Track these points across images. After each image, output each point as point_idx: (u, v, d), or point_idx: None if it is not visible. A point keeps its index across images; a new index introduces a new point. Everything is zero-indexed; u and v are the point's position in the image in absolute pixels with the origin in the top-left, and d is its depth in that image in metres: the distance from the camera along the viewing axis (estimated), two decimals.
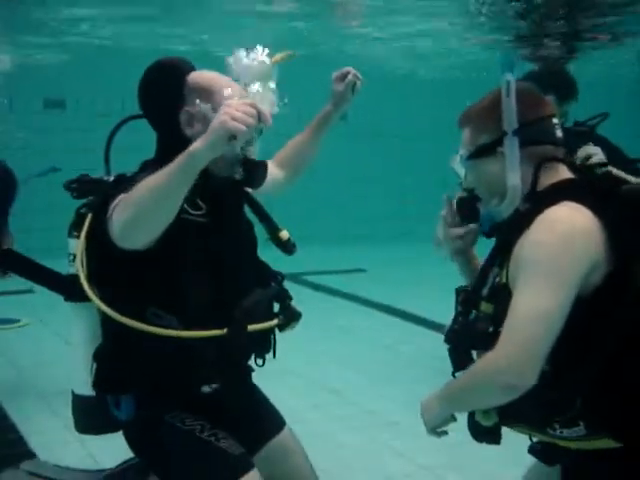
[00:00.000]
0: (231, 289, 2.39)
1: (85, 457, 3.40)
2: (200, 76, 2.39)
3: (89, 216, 2.40)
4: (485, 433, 1.93)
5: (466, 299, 1.99)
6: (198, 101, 2.34)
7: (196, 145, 2.00)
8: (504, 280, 1.87)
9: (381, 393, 4.47)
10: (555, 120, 1.98)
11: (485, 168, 1.97)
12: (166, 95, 2.38)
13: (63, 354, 5.01)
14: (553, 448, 1.95)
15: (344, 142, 9.85)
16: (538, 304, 1.73)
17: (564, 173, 1.94)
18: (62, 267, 2.55)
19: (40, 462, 3.22)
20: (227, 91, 2.30)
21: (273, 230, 2.55)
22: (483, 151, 1.97)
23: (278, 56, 2.51)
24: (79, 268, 2.38)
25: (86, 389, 2.48)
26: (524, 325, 1.73)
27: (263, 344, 2.53)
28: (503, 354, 1.74)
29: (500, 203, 1.95)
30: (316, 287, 7.64)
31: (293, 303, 2.55)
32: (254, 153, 2.46)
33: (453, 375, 1.97)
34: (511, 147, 1.91)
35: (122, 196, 2.16)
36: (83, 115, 8.82)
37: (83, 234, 2.40)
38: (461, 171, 2.05)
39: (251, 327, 2.37)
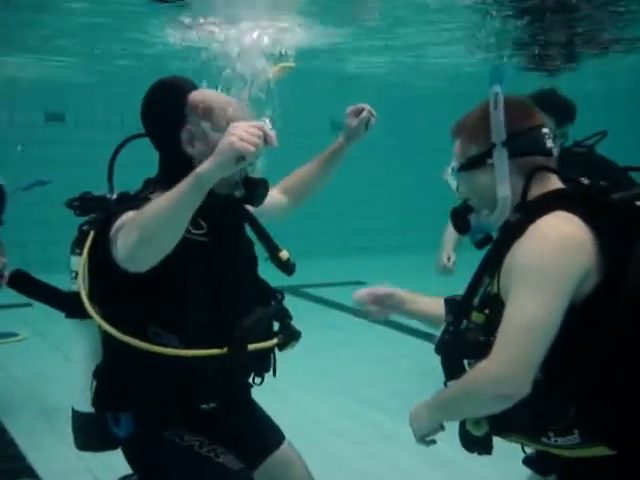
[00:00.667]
0: (231, 308, 2.39)
1: (83, 472, 3.38)
2: (201, 95, 2.40)
3: (91, 234, 2.41)
4: (476, 443, 1.92)
5: (456, 309, 1.99)
6: (198, 120, 2.36)
7: (204, 166, 2.00)
8: (495, 290, 1.87)
9: (382, 406, 4.46)
10: (545, 130, 1.98)
11: (476, 180, 1.99)
12: (167, 114, 2.40)
13: (62, 368, 5.00)
14: (547, 458, 1.94)
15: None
16: (531, 313, 1.74)
17: (555, 183, 1.95)
18: (59, 281, 2.54)
19: None
20: (229, 110, 2.31)
21: (273, 250, 2.55)
22: (473, 163, 1.98)
23: (275, 69, 2.51)
24: (81, 286, 2.38)
25: (86, 406, 2.47)
26: (517, 334, 1.74)
27: (263, 363, 2.53)
28: (496, 363, 1.75)
29: (491, 214, 1.97)
30: (315, 300, 7.63)
31: (293, 322, 2.55)
32: (255, 171, 2.47)
33: (445, 384, 1.96)
34: (500, 158, 1.92)
35: (125, 217, 2.17)
36: (83, 128, 8.84)
37: (85, 252, 2.39)
38: (453, 183, 2.06)
39: (251, 346, 2.37)
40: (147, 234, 2.06)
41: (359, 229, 10.37)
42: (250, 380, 2.59)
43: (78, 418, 2.55)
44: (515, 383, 1.74)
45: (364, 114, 2.72)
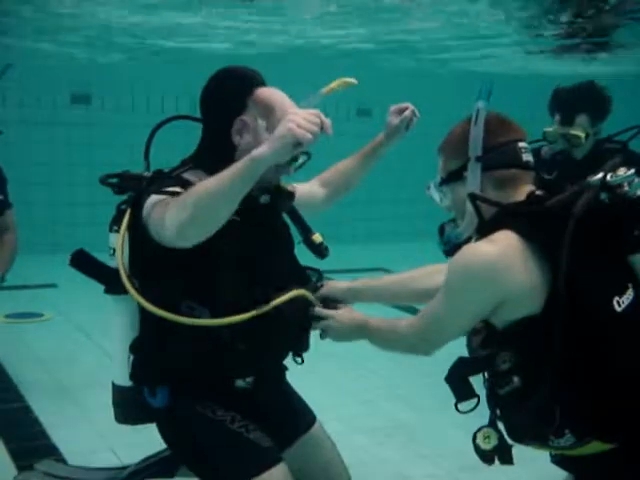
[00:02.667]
0: (263, 285, 2.42)
1: (106, 451, 3.41)
2: (268, 93, 2.43)
3: (128, 211, 2.44)
4: (489, 455, 2.01)
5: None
6: (256, 115, 2.38)
7: (260, 150, 2.02)
8: None
9: (405, 397, 4.46)
10: (522, 144, 2.05)
11: (455, 192, 2.08)
12: (230, 99, 2.44)
13: (85, 348, 5.08)
14: (565, 457, 2.02)
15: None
16: (440, 313, 2.02)
17: (522, 196, 2.01)
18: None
19: (53, 463, 3.23)
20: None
21: (306, 233, 2.59)
22: (452, 176, 2.07)
23: (334, 84, 2.53)
24: (119, 261, 2.42)
25: (125, 380, 2.52)
26: (432, 322, 2.06)
27: (299, 341, 2.56)
28: (415, 336, 2.12)
29: (462, 224, 2.08)
30: None
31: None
32: (290, 173, 2.49)
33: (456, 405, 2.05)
34: (473, 172, 2.01)
35: (159, 198, 2.21)
36: (108, 110, 8.86)
37: (122, 229, 2.44)
38: (436, 196, 2.15)
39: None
40: (199, 212, 2.10)
41: (385, 215, 10.33)
42: (288, 360, 2.63)
43: (118, 392, 2.60)
44: (422, 352, 2.14)
45: (407, 113, 2.74)
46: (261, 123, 2.41)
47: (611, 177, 1.90)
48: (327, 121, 2.04)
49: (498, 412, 2.01)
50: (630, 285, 1.94)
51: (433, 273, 2.44)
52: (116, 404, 2.64)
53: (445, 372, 1.99)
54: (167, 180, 2.40)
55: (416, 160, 10.97)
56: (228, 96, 2.45)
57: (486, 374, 2.02)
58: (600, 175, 1.91)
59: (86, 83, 8.69)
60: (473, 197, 1.99)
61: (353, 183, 2.90)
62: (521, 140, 2.04)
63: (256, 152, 2.02)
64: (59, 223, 8.48)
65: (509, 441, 2.00)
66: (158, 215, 2.22)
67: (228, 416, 2.46)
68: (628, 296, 1.92)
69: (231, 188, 2.07)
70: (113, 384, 2.63)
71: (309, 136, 1.97)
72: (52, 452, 3.37)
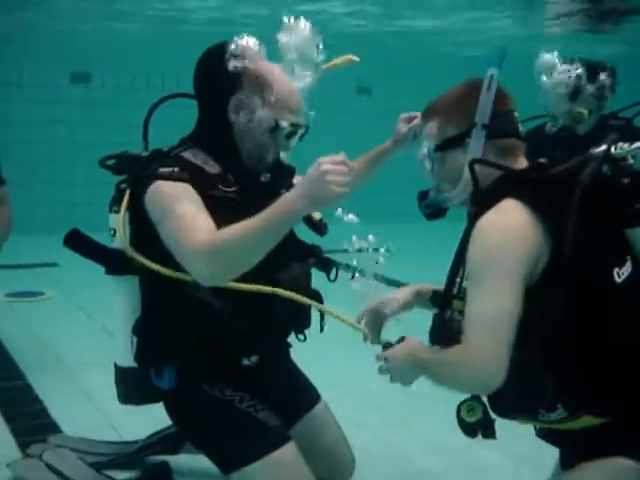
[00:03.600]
0: (264, 263, 2.42)
1: (107, 428, 3.43)
2: (263, 68, 2.41)
3: (127, 192, 2.47)
4: (472, 429, 2.01)
5: (440, 299, 2.07)
6: (251, 92, 2.39)
7: (295, 208, 2.03)
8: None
9: None
10: (517, 114, 2.06)
11: (450, 159, 2.04)
12: (225, 79, 2.41)
13: (86, 327, 5.09)
14: (553, 432, 2.03)
15: (369, 117, 9.77)
16: (482, 310, 1.83)
17: (522, 164, 2.02)
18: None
19: (66, 436, 3.26)
20: (284, 93, 2.38)
21: None
22: (451, 143, 2.02)
23: (337, 60, 2.52)
24: (122, 238, 2.42)
25: (127, 361, 2.53)
26: (480, 333, 1.82)
27: (301, 318, 2.57)
28: (478, 360, 1.83)
29: (452, 190, 2.04)
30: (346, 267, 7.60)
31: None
32: (287, 156, 2.50)
33: None
34: (477, 139, 1.98)
35: (174, 208, 2.23)
36: (108, 89, 8.82)
37: (123, 209, 2.45)
38: (429, 164, 2.09)
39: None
40: (233, 267, 2.16)
41: (384, 194, 10.30)
42: (292, 337, 2.65)
43: (120, 373, 2.62)
44: (495, 378, 1.82)
45: (415, 122, 2.77)
46: (257, 100, 2.39)
47: (615, 149, 1.90)
48: (351, 165, 2.01)
49: None
50: (628, 257, 1.94)
51: None
52: (118, 384, 2.66)
53: None
54: (166, 160, 2.39)
55: None
56: (222, 74, 2.41)
57: None
58: (603, 147, 1.91)
59: (86, 62, 8.64)
60: (479, 162, 1.96)
61: (357, 186, 2.87)
62: (515, 110, 2.06)
63: (295, 206, 2.01)
64: (59, 202, 8.47)
65: (492, 415, 2.00)
66: (174, 237, 2.22)
67: (237, 396, 2.47)
68: (627, 268, 1.92)
69: (264, 243, 2.10)
70: (115, 365, 2.64)
71: (346, 192, 1.96)
72: (53, 429, 3.39)
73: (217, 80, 2.44)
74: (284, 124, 2.40)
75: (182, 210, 2.22)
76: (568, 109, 3.59)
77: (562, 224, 1.80)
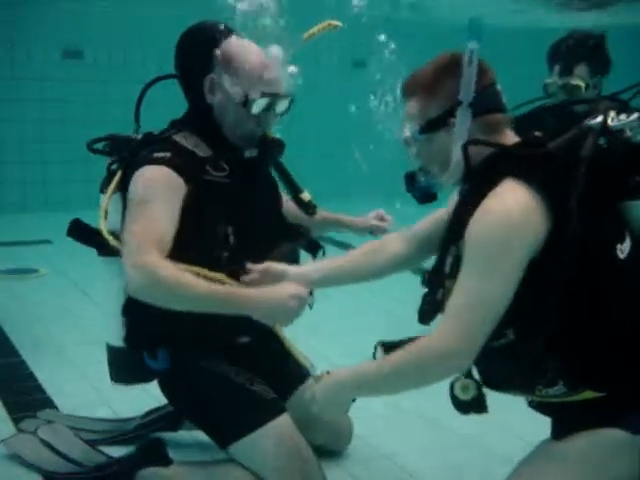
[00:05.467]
0: (252, 243, 2.44)
1: (101, 405, 3.43)
2: (231, 45, 2.43)
3: (118, 174, 2.49)
4: (467, 406, 1.99)
5: (431, 278, 2.03)
6: (221, 71, 2.40)
7: (254, 312, 2.28)
8: (462, 256, 1.90)
9: None
10: (499, 87, 1.96)
11: (438, 141, 1.94)
12: (195, 60, 2.45)
13: (81, 304, 5.10)
14: (546, 404, 2.01)
15: (363, 90, 9.60)
16: (474, 292, 1.78)
17: (510, 139, 1.94)
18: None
19: (57, 413, 3.27)
20: (256, 68, 2.39)
21: (295, 191, 2.61)
22: (436, 124, 1.92)
23: (315, 29, 2.50)
24: (101, 220, 2.43)
25: (120, 341, 2.54)
26: (461, 312, 1.79)
27: None
28: (443, 339, 1.80)
29: (441, 173, 1.95)
30: (339, 244, 7.61)
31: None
32: (272, 131, 2.51)
33: None
34: (463, 118, 1.88)
35: (142, 214, 2.30)
36: (101, 66, 8.75)
37: (110, 190, 2.46)
38: (413, 147, 1.99)
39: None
40: (161, 300, 2.25)
41: (379, 169, 10.27)
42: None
43: (112, 353, 2.62)
44: (460, 357, 1.80)
45: (382, 224, 2.78)
46: (227, 78, 2.40)
47: (612, 121, 1.84)
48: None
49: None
50: (627, 232, 1.90)
51: (370, 253, 2.36)
52: (111, 364, 2.67)
53: None
54: (160, 144, 2.40)
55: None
56: (194, 55, 2.46)
57: None
58: (600, 119, 1.85)
59: (78, 38, 8.57)
60: (473, 143, 1.88)
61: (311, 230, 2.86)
62: (496, 82, 1.96)
63: (245, 305, 2.25)
64: (52, 180, 8.43)
65: (484, 390, 2.00)
66: (131, 231, 2.29)
67: (232, 370, 2.50)
68: (627, 243, 1.88)
69: (200, 307, 2.27)
70: (107, 345, 2.65)
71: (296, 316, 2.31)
72: (48, 406, 3.40)
73: (191, 63, 2.49)
74: (254, 96, 2.40)
75: (153, 210, 2.27)
76: (564, 83, 3.57)
77: (565, 202, 1.75)
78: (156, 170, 2.34)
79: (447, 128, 1.91)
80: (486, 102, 1.90)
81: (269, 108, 2.44)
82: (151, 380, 2.67)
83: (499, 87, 1.96)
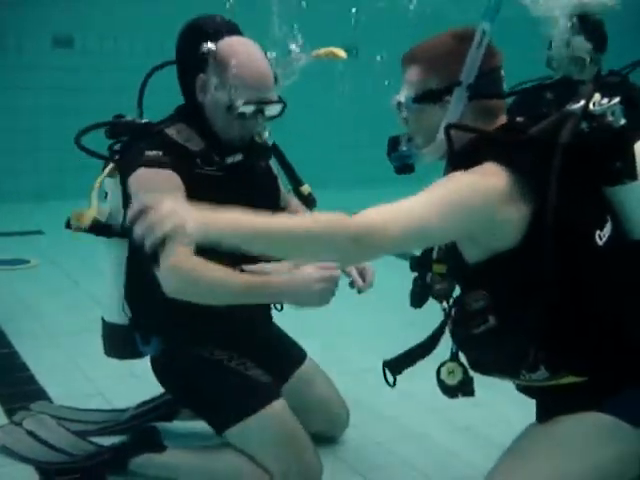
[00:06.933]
0: None
1: (95, 395, 3.42)
2: (226, 46, 2.42)
3: (115, 159, 2.54)
4: (454, 390, 2.03)
5: (419, 263, 2.06)
6: (212, 72, 2.41)
7: (284, 299, 2.39)
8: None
9: (396, 335, 4.47)
10: (503, 72, 1.95)
11: (428, 114, 1.93)
12: (190, 58, 2.44)
13: (73, 295, 5.07)
14: (531, 387, 2.02)
15: (355, 79, 9.66)
16: (426, 215, 1.70)
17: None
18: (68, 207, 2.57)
19: (50, 404, 3.26)
20: (245, 74, 2.37)
21: (295, 184, 2.61)
22: (430, 97, 1.91)
23: (322, 51, 2.50)
24: (93, 202, 2.46)
25: (113, 317, 2.58)
26: (405, 222, 1.67)
27: None
28: (367, 217, 1.67)
29: (424, 146, 1.94)
30: None
31: None
32: (265, 136, 2.51)
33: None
34: (458, 99, 1.87)
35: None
36: (92, 53, 8.69)
37: (103, 174, 2.47)
38: (403, 112, 1.98)
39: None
40: (196, 298, 2.29)
41: (373, 159, 10.28)
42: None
43: (107, 328, 2.66)
44: (372, 236, 1.64)
45: (360, 283, 2.64)
46: (215, 80, 2.39)
47: (594, 106, 1.82)
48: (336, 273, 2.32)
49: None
50: (608, 218, 1.89)
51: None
52: (104, 338, 2.70)
53: None
54: (151, 140, 2.40)
55: None
56: (189, 52, 2.46)
57: (448, 309, 2.03)
58: (581, 103, 1.83)
59: (68, 26, 8.50)
60: (455, 127, 1.86)
61: None
62: (502, 67, 1.95)
63: (272, 294, 2.32)
64: (45, 169, 8.38)
65: (471, 373, 2.02)
66: None
67: (225, 355, 2.51)
68: (607, 229, 1.88)
69: (230, 301, 2.31)
70: (103, 320, 2.68)
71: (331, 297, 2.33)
72: (41, 396, 3.38)
73: (187, 60, 2.49)
74: (238, 103, 2.37)
75: None
76: (568, 55, 3.57)
77: (543, 187, 1.74)
78: (150, 171, 2.36)
79: (441, 104, 1.90)
80: (486, 87, 1.89)
81: (256, 114, 2.42)
82: (143, 357, 2.69)
83: (503, 72, 1.95)
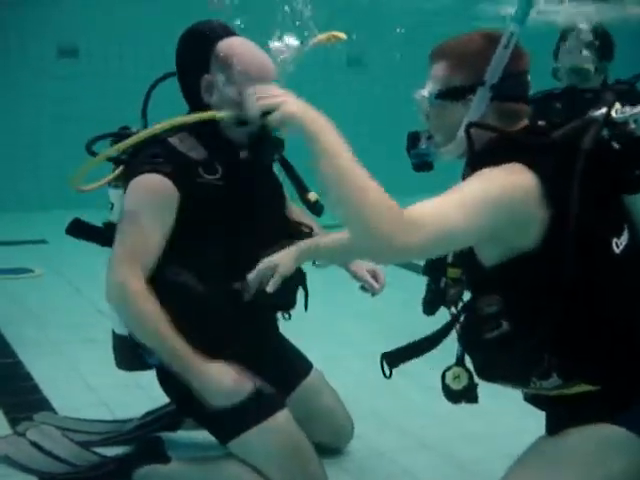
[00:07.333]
0: (248, 246, 2.44)
1: (99, 405, 3.42)
2: (228, 45, 2.46)
3: (118, 170, 2.57)
4: (458, 395, 2.01)
5: (433, 268, 2.05)
6: (216, 71, 2.42)
7: (200, 378, 2.38)
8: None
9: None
10: (529, 77, 1.94)
11: (450, 111, 1.92)
12: (192, 60, 2.48)
13: (77, 304, 5.07)
14: (540, 396, 1.99)
15: (362, 88, 9.67)
16: (458, 225, 1.67)
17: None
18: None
19: (54, 415, 3.25)
20: (249, 68, 2.39)
21: (302, 191, 2.60)
22: (454, 94, 1.90)
23: (323, 37, 2.51)
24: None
25: (124, 329, 2.60)
26: (442, 230, 1.65)
27: (287, 299, 2.58)
28: (404, 234, 1.61)
29: (444, 144, 1.93)
30: None
31: None
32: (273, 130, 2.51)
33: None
34: (481, 98, 1.85)
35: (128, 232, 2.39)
36: (96, 63, 8.71)
37: (103, 181, 2.49)
38: (425, 107, 1.96)
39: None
40: (125, 319, 2.41)
41: (381, 167, 10.23)
42: (278, 315, 2.67)
43: (116, 340, 2.66)
44: (401, 236, 1.61)
45: (373, 284, 2.68)
46: (221, 77, 2.41)
47: (616, 113, 1.82)
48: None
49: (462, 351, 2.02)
50: (625, 226, 1.88)
51: None
52: (115, 350, 2.71)
53: None
54: (154, 148, 2.41)
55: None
56: (191, 56, 2.49)
57: (458, 314, 2.02)
58: (603, 110, 1.82)
59: (73, 36, 8.52)
60: (477, 126, 1.85)
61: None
62: (529, 71, 1.94)
63: (194, 373, 2.35)
64: (48, 178, 8.39)
65: (476, 380, 2.00)
66: (120, 243, 2.40)
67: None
68: (625, 237, 1.87)
69: (157, 349, 2.40)
70: (113, 332, 2.69)
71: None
72: (44, 406, 3.38)
73: (188, 63, 2.53)
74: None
75: (143, 225, 2.36)
76: (573, 65, 3.58)
77: (564, 192, 1.73)
78: (148, 181, 2.39)
79: (464, 102, 1.88)
80: (510, 89, 1.88)
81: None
82: (152, 368, 2.69)
83: (529, 77, 1.93)
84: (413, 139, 2.01)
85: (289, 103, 1.69)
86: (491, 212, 1.71)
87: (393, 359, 2.14)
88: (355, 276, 2.77)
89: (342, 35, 2.61)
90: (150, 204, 2.37)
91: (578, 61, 3.58)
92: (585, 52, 3.59)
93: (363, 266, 2.75)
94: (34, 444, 2.89)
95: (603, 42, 3.64)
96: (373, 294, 2.71)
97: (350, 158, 1.65)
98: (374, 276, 2.69)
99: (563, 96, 3.53)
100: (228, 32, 2.53)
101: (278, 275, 2.38)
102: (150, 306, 2.32)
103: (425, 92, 1.94)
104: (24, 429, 3.00)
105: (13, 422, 3.16)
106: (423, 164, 2.00)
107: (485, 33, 1.92)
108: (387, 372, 2.12)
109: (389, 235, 1.59)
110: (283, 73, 2.51)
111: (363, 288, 2.74)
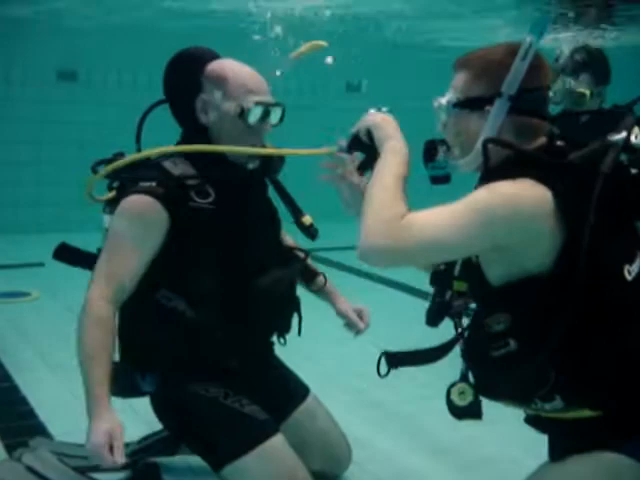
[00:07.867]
0: (241, 271, 2.44)
1: None
2: (218, 64, 2.50)
3: (113, 193, 2.57)
4: (462, 412, 2.00)
5: (439, 279, 2.04)
6: (212, 89, 2.43)
7: (92, 420, 2.39)
8: (473, 258, 1.89)
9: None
10: (550, 93, 1.92)
11: (466, 120, 1.91)
12: (184, 83, 2.50)
13: (73, 327, 5.03)
14: (542, 419, 1.98)
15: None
16: (439, 226, 1.70)
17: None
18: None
19: (50, 441, 3.22)
20: (244, 80, 2.43)
21: (296, 214, 2.61)
22: (472, 104, 1.88)
23: (303, 48, 2.54)
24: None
25: (117, 356, 2.56)
26: (428, 234, 1.69)
27: (281, 324, 2.57)
28: (395, 237, 1.68)
29: (461, 157, 1.91)
30: (329, 263, 7.60)
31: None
32: (267, 131, 2.52)
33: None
34: (499, 110, 1.83)
35: (110, 257, 2.39)
36: (95, 87, 8.74)
37: (99, 199, 2.50)
38: (443, 116, 1.95)
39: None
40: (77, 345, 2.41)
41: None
42: (273, 339, 2.66)
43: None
44: (392, 258, 1.70)
45: (358, 324, 2.75)
46: (218, 94, 2.43)
47: (636, 138, 1.79)
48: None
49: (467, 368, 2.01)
50: (638, 252, 1.87)
51: None
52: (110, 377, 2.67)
53: None
54: (147, 171, 2.42)
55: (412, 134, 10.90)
56: (183, 78, 2.50)
57: (463, 330, 2.03)
58: (623, 134, 1.80)
59: (72, 60, 8.56)
60: (493, 142, 1.82)
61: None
62: (550, 87, 1.92)
63: (92, 413, 2.37)
64: (46, 202, 8.41)
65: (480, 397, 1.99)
66: (100, 264, 2.40)
67: (221, 392, 2.49)
68: (637, 264, 1.85)
69: (83, 379, 2.39)
70: None
71: None
72: (41, 431, 3.36)
73: (180, 87, 2.54)
74: (249, 105, 2.40)
75: (124, 248, 2.35)
76: (569, 89, 3.60)
77: (580, 215, 1.72)
78: (138, 203, 2.37)
79: (481, 113, 1.86)
80: (529, 103, 1.86)
81: (264, 118, 2.46)
82: (144, 396, 2.67)
83: (550, 92, 1.93)
84: (430, 150, 1.99)
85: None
86: (485, 221, 1.70)
87: (393, 359, 2.14)
88: (339, 314, 2.78)
89: (323, 43, 2.64)
90: (136, 226, 2.36)
91: (575, 85, 3.60)
92: (582, 76, 3.62)
93: (349, 305, 2.77)
94: (30, 469, 2.87)
95: (599, 66, 3.67)
96: (357, 333, 2.72)
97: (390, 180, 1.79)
98: (359, 315, 2.70)
99: (559, 119, 3.55)
100: (215, 55, 2.56)
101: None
102: (96, 332, 2.30)
103: (443, 100, 1.94)
104: (20, 454, 2.98)
105: (9, 447, 3.15)
106: (440, 177, 1.98)
107: (509, 46, 1.90)
108: (383, 371, 2.15)
109: (380, 233, 1.68)
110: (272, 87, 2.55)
111: (347, 325, 2.75)
